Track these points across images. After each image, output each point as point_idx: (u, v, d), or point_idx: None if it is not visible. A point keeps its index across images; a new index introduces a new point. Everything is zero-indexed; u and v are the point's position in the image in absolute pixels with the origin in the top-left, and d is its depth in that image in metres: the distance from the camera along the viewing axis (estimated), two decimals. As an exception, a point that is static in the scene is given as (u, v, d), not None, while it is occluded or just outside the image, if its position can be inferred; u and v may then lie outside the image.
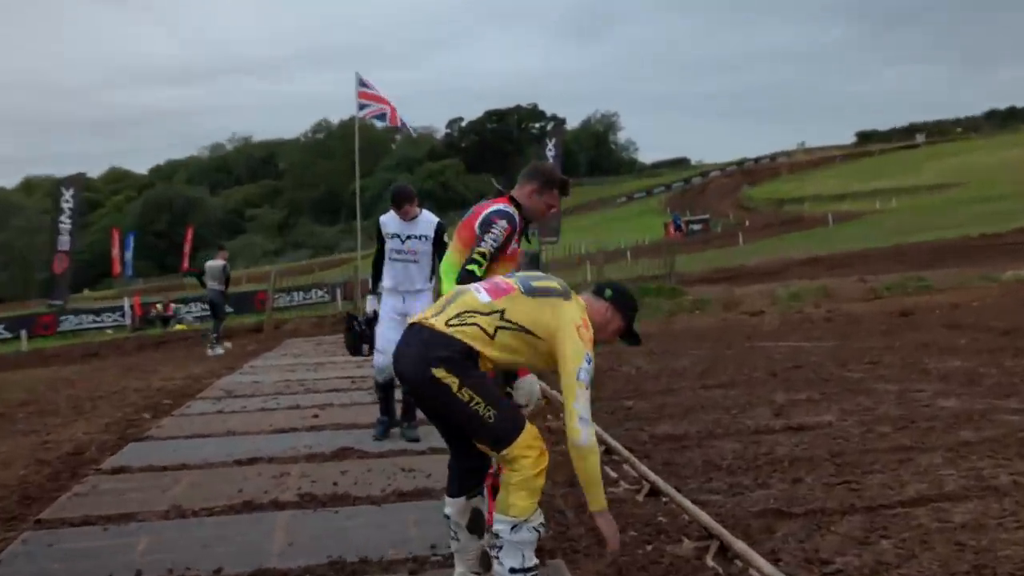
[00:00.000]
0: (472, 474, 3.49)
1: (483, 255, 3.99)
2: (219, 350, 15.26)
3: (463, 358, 3.18)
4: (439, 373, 3.14)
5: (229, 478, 5.44)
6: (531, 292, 3.33)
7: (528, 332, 3.25)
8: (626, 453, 4.87)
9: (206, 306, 28.28)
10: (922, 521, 4.33)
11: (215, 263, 15.34)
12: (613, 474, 5.44)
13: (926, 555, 3.91)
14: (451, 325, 3.23)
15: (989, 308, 14.28)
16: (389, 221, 6.42)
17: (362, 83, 18.54)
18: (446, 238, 6.19)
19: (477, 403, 3.15)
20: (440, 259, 6.50)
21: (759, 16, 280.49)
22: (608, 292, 3.56)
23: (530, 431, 3.24)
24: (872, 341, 11.65)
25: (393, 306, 6.43)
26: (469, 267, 3.96)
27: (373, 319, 6.52)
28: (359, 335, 6.63)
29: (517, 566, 3.20)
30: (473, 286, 3.44)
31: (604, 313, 3.50)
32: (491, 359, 3.25)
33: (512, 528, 3.19)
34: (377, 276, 6.58)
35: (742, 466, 5.58)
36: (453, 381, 3.14)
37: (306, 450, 6.17)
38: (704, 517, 3.46)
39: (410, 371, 3.24)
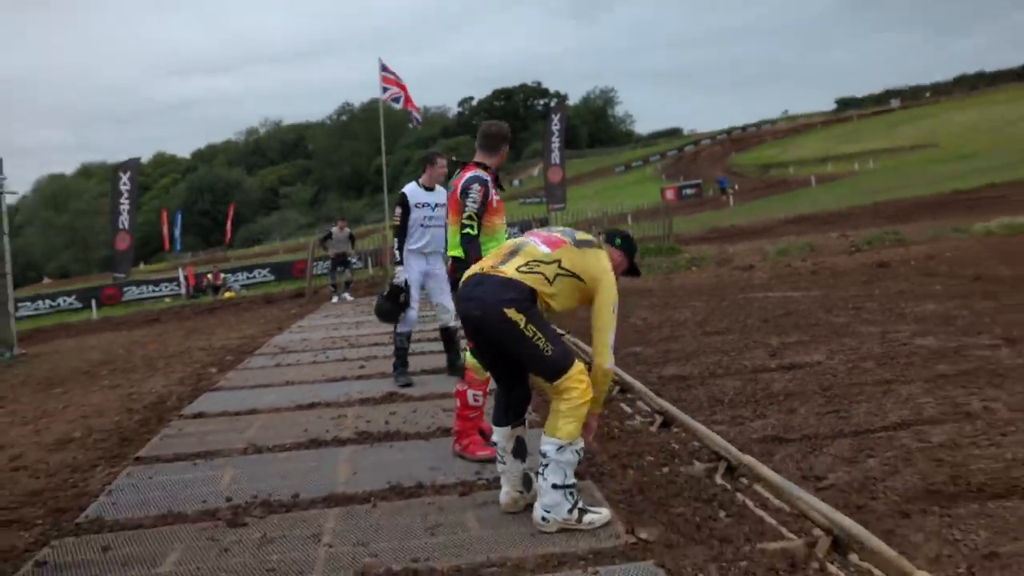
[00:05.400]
0: (516, 405, 3.67)
1: (471, 217, 4.39)
2: (345, 295, 16.78)
3: (529, 300, 3.39)
4: (510, 312, 3.34)
5: (294, 420, 5.60)
6: (578, 244, 3.57)
7: (578, 278, 3.49)
8: (643, 388, 5.00)
9: (252, 274, 28.93)
10: (904, 442, 4.48)
11: (341, 232, 16.42)
12: (628, 409, 5.60)
13: (908, 470, 4.07)
14: (521, 271, 3.43)
15: (960, 258, 14.22)
16: (416, 192, 6.53)
17: (384, 68, 18.56)
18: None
19: (539, 338, 3.35)
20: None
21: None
22: (618, 240, 3.85)
23: (579, 366, 3.43)
24: (854, 290, 11.68)
25: (418, 268, 6.59)
26: (465, 231, 4.36)
27: (407, 288, 6.50)
28: (404, 304, 6.52)
29: (559, 482, 3.38)
30: (532, 239, 3.60)
31: (617, 258, 3.78)
32: (547, 300, 3.45)
33: (558, 449, 3.38)
34: (402, 246, 6.53)
35: (742, 400, 5.72)
36: (521, 319, 3.34)
37: (358, 395, 6.30)
38: (718, 440, 3.61)
39: (482, 311, 3.40)
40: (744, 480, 3.99)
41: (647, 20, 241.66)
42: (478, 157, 4.65)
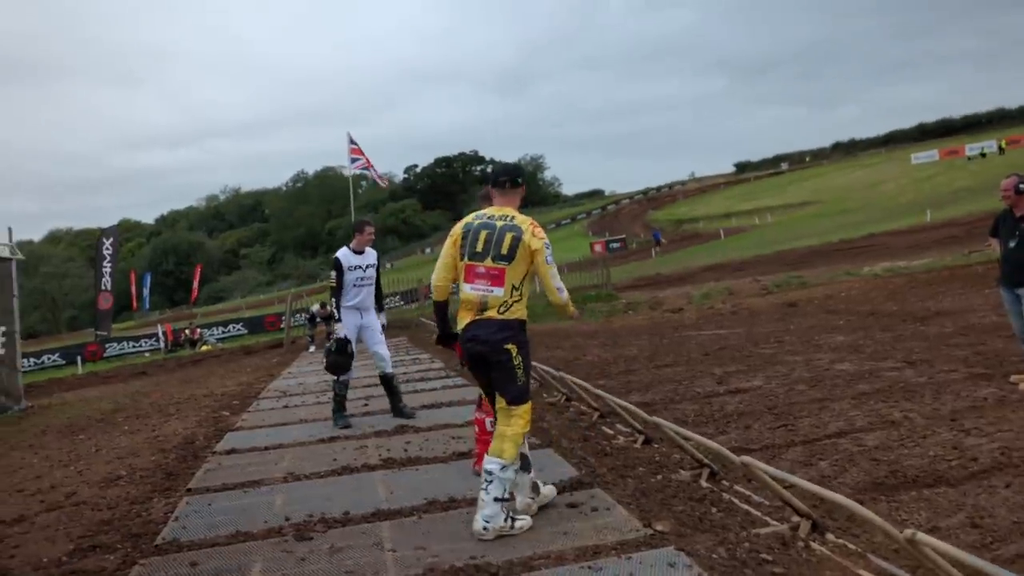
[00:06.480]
0: None
1: None
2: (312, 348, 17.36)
3: (519, 330, 3.71)
4: (508, 345, 3.68)
5: (321, 452, 5.69)
6: (510, 257, 3.67)
7: (526, 274, 3.72)
8: (635, 409, 5.24)
9: (227, 328, 28.46)
10: (845, 447, 4.91)
11: (323, 311, 17.24)
12: (610, 431, 5.90)
13: (854, 469, 4.48)
14: (502, 313, 3.70)
15: (854, 297, 15.05)
16: (348, 256, 6.61)
17: (352, 141, 18.86)
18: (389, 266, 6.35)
19: (519, 366, 3.71)
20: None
21: (654, 71, 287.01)
22: (520, 180, 3.91)
23: (530, 404, 3.79)
24: (772, 326, 12.28)
25: (353, 322, 6.66)
26: None
27: (347, 341, 6.60)
28: (352, 355, 6.63)
29: (499, 496, 3.64)
30: (485, 289, 3.72)
31: (522, 196, 3.93)
32: (525, 306, 3.75)
33: (502, 468, 3.65)
34: (339, 304, 6.58)
35: (703, 420, 6.05)
36: (514, 348, 3.69)
37: (371, 429, 6.42)
38: (712, 445, 3.93)
39: (488, 345, 3.69)
40: (725, 482, 4.36)
41: (567, 96, 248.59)
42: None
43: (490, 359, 3.70)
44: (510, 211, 3.79)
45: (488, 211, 3.83)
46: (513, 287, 3.66)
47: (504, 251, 3.66)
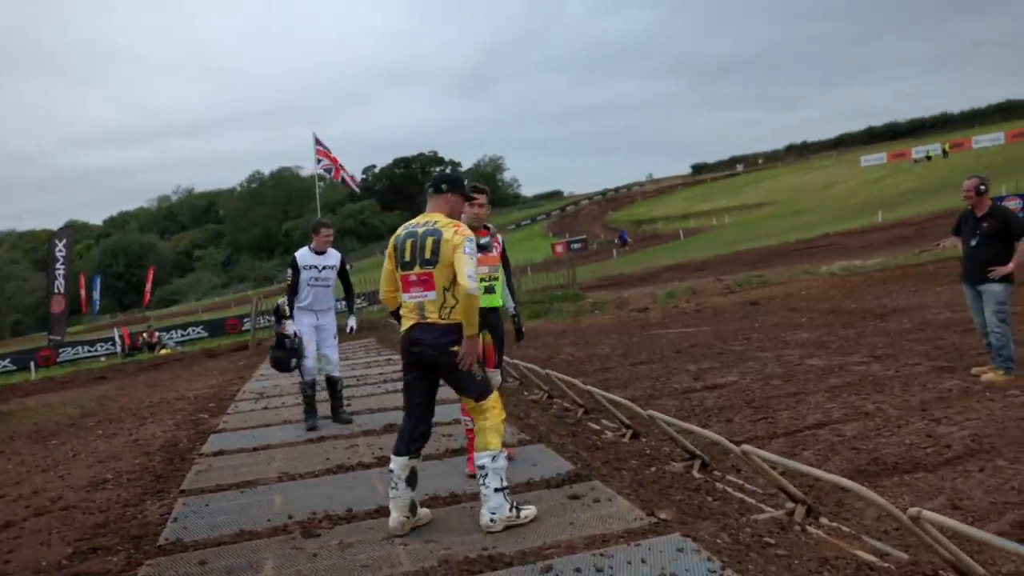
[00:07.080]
0: (418, 440, 3.91)
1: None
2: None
3: (459, 333, 3.73)
4: (454, 348, 3.73)
5: (312, 452, 5.69)
6: (434, 261, 3.71)
7: (456, 275, 3.69)
8: (628, 404, 5.34)
9: (187, 331, 28.00)
10: (826, 437, 5.12)
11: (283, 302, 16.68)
12: (596, 427, 6.04)
13: (836, 458, 4.69)
14: (444, 317, 3.76)
15: (814, 295, 15.46)
16: (305, 255, 6.58)
17: (317, 142, 18.66)
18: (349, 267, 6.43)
19: (473, 366, 3.77)
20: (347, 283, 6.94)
21: (613, 73, 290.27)
22: (444, 187, 3.90)
23: (496, 394, 3.89)
24: (737, 324, 12.52)
25: (308, 322, 6.64)
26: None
27: (297, 338, 6.57)
28: (292, 351, 6.57)
29: (498, 486, 3.74)
30: (420, 295, 3.77)
31: (452, 203, 3.91)
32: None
33: (493, 459, 3.75)
34: (292, 303, 6.57)
35: (685, 415, 6.19)
36: (460, 350, 3.73)
37: (359, 428, 6.43)
38: (711, 435, 4.07)
39: (434, 350, 3.74)
40: (717, 473, 4.53)
41: (527, 97, 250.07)
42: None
43: (439, 362, 3.76)
44: (434, 216, 3.85)
45: (415, 220, 3.93)
46: (444, 289, 3.72)
47: (428, 255, 3.74)
